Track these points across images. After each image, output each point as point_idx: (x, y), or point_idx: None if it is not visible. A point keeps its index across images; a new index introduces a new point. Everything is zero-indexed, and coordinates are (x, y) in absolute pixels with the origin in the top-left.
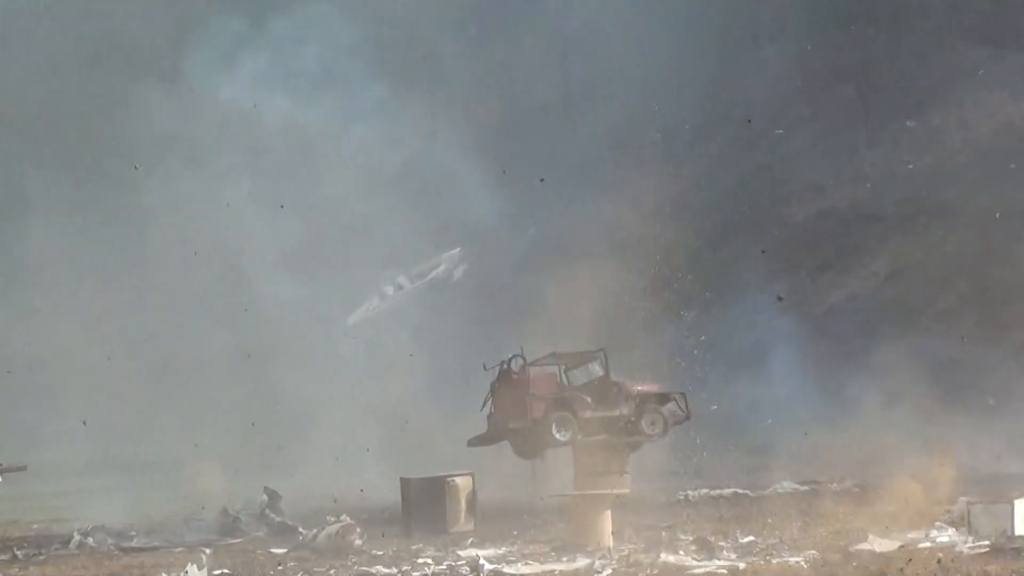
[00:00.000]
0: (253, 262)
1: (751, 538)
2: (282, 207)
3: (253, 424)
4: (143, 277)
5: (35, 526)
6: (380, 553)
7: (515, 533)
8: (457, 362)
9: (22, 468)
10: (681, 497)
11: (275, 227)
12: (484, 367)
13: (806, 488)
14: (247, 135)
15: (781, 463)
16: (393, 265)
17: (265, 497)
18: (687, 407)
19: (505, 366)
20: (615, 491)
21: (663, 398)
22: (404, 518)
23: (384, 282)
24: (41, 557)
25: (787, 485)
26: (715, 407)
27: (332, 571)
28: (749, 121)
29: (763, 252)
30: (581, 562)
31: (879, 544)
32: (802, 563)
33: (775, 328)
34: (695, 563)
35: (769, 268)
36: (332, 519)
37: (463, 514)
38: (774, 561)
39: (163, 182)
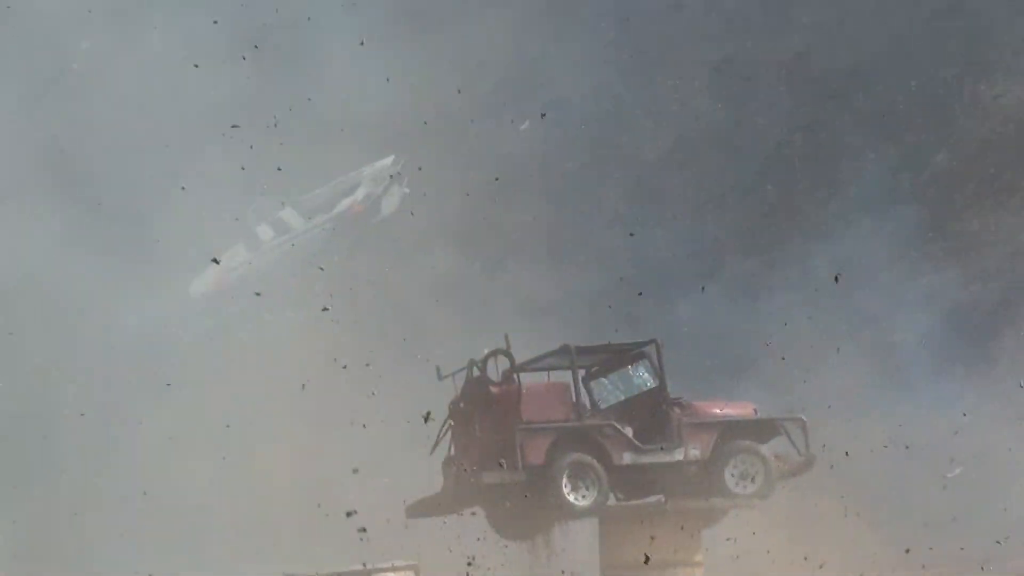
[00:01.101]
0: None
1: None
2: None
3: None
4: None
5: None
6: None
7: None
8: (389, 364)
9: None
10: None
11: None
12: (438, 373)
13: None
14: None
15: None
16: (274, 192)
17: None
18: (807, 445)
19: (476, 371)
20: None
21: (762, 429)
22: None
23: (257, 218)
24: None
25: None
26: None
27: None
28: None
29: None
30: None
31: None
32: None
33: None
34: None
35: None
36: None
37: None
38: None
39: None
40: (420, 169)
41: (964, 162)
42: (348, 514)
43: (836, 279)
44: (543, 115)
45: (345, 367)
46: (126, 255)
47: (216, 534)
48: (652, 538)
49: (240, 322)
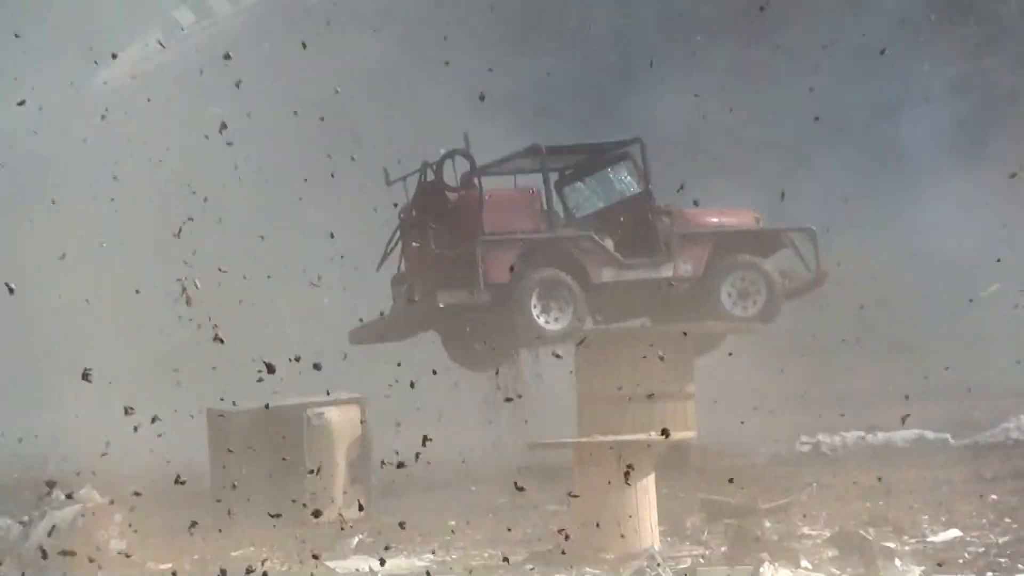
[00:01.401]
0: None
1: (955, 532)
2: None
3: None
4: None
5: None
6: (165, 567)
7: (451, 526)
8: (322, 174)
9: None
10: (806, 446)
11: None
12: (385, 177)
13: None
14: None
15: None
16: None
17: None
18: (817, 259)
19: (430, 173)
20: (666, 436)
21: (766, 241)
22: (214, 491)
23: None
24: None
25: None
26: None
27: None
28: None
29: None
30: None
31: None
32: None
33: None
34: None
35: None
36: (62, 496)
37: (342, 484)
38: None
39: None
40: None
41: None
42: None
43: None
44: None
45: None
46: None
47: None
48: (636, 366)
49: (148, 123)
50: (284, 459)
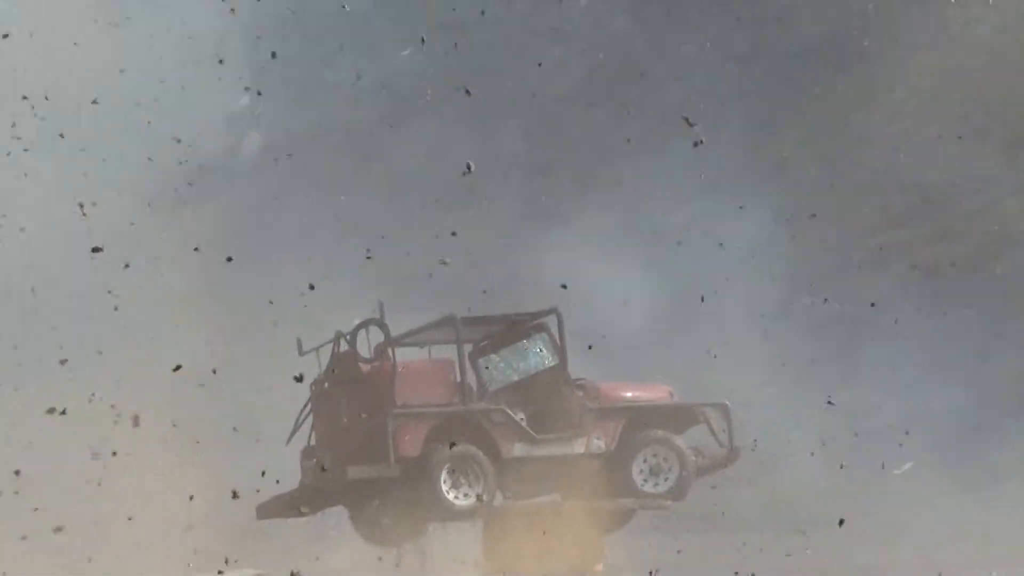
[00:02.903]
0: None
1: None
2: None
3: None
4: None
5: None
6: None
7: None
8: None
9: None
10: None
11: None
12: (299, 347)
13: None
14: None
15: None
16: None
17: None
18: (731, 435)
19: (344, 345)
20: None
21: (679, 417)
22: None
23: None
24: None
25: None
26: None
27: None
28: None
29: None
30: None
31: None
32: None
33: None
34: None
35: None
36: None
37: None
38: None
39: None
40: None
41: None
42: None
43: None
44: None
45: None
46: None
47: None
48: (546, 544)
49: None
50: None
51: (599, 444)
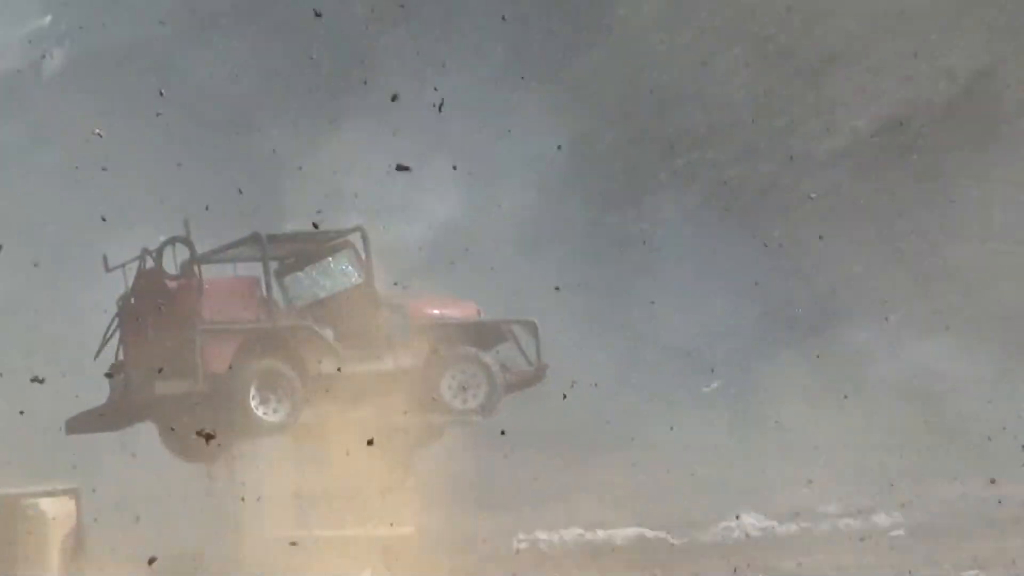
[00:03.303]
0: None
1: None
2: None
3: None
4: None
5: None
6: None
7: None
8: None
9: None
10: (523, 543)
11: None
12: (105, 264)
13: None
14: None
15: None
16: None
17: None
18: (538, 352)
19: (150, 261)
20: (384, 531)
21: (487, 334)
22: None
23: None
24: None
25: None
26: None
27: None
28: None
29: None
30: None
31: None
32: None
33: None
34: None
35: None
36: None
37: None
38: None
39: None
40: None
41: None
42: None
43: None
44: None
45: None
46: None
47: None
48: (355, 460)
49: None
50: None
51: (408, 361)
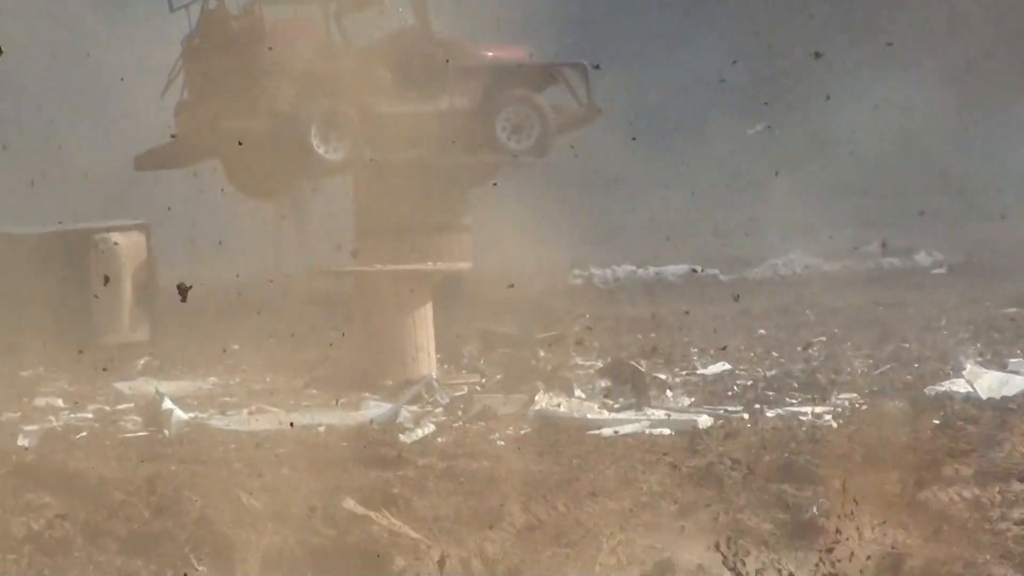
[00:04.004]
0: None
1: (724, 365)
2: None
3: None
4: None
5: None
6: None
7: (233, 350)
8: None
9: None
10: (579, 279)
11: None
12: (169, 3)
13: None
14: None
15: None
16: None
17: None
18: (588, 93)
19: (213, 2)
20: (443, 266)
21: (538, 76)
22: None
23: None
24: None
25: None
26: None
27: None
28: None
29: None
30: (370, 411)
31: None
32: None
33: None
34: (610, 416)
35: None
36: None
37: (128, 311)
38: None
39: None
40: None
41: None
42: None
43: None
44: None
45: None
46: None
47: None
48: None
49: None
50: (70, 281)
51: (462, 102)
